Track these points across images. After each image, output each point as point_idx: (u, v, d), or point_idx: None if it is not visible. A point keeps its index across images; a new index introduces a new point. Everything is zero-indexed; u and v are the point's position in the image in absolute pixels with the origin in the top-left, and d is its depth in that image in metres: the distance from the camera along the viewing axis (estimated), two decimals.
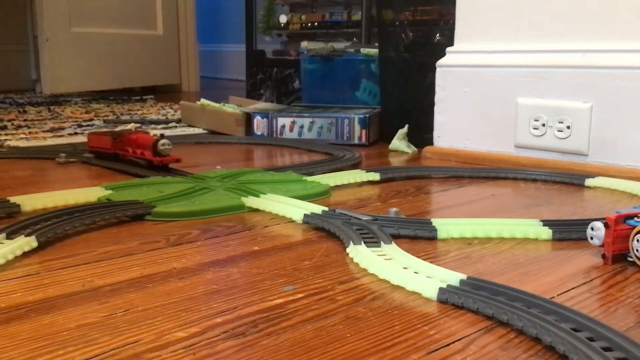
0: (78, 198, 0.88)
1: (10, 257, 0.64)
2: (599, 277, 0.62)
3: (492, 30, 1.26)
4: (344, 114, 1.47)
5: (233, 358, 0.45)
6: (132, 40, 2.80)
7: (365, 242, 0.67)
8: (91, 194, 0.90)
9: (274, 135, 1.51)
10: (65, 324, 0.50)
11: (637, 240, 0.63)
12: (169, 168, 1.10)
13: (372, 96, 1.72)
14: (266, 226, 0.79)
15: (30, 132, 1.59)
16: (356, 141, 1.45)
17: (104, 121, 1.84)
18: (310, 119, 1.48)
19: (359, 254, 0.65)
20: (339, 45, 1.82)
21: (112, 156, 1.17)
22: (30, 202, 0.84)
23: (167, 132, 1.65)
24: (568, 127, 1.13)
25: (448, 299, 0.54)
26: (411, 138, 1.39)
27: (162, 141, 1.07)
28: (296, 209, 0.81)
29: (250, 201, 0.87)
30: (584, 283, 0.60)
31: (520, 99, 1.20)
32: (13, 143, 1.42)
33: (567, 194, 0.99)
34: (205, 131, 1.68)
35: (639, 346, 0.44)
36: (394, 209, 0.80)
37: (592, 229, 0.67)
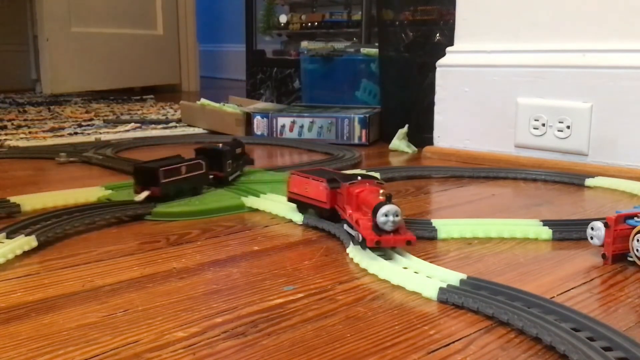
0: (78, 198, 0.88)
1: (10, 256, 0.64)
2: (599, 277, 0.62)
3: (492, 30, 1.26)
4: (344, 114, 1.47)
5: (233, 358, 0.45)
6: (132, 40, 2.80)
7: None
8: (91, 193, 0.90)
9: (274, 135, 1.51)
10: (65, 324, 0.50)
11: (637, 240, 0.63)
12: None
13: (372, 96, 1.72)
14: (266, 226, 0.79)
15: (30, 132, 1.59)
16: (356, 141, 1.45)
17: (104, 121, 1.84)
18: (310, 119, 1.48)
19: (359, 254, 0.65)
20: (339, 45, 1.82)
21: (328, 213, 0.76)
22: (30, 201, 0.84)
23: (167, 132, 1.65)
24: (568, 127, 1.13)
25: (448, 298, 0.54)
26: (411, 138, 1.39)
27: (385, 209, 0.63)
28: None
29: (250, 201, 0.87)
30: (584, 283, 0.60)
31: (520, 98, 1.20)
32: (13, 143, 1.42)
33: (567, 193, 0.99)
34: (205, 131, 1.68)
35: (639, 346, 0.44)
36: None
37: (592, 228, 0.67)
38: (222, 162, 0.93)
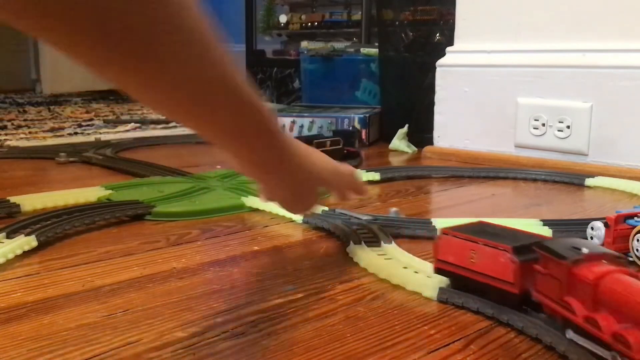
0: (78, 198, 0.88)
1: (10, 256, 0.64)
2: None
3: (492, 30, 1.26)
4: (344, 114, 1.47)
5: (233, 358, 0.45)
6: None
7: (365, 242, 0.67)
8: (91, 194, 0.90)
9: None
10: (65, 324, 0.50)
11: (637, 240, 0.63)
12: None
13: (372, 96, 1.72)
14: (266, 226, 0.79)
15: (30, 132, 1.59)
16: None
17: (104, 121, 1.84)
18: (310, 119, 1.48)
19: (359, 253, 0.65)
20: (339, 45, 1.82)
21: (515, 299, 0.49)
22: (30, 202, 0.84)
23: (167, 132, 1.65)
24: (568, 127, 1.13)
25: (448, 298, 0.54)
26: (411, 138, 1.39)
27: None
28: None
29: (250, 201, 0.87)
30: None
31: (520, 98, 1.20)
32: (13, 143, 1.42)
33: (567, 193, 0.99)
34: None
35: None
36: (394, 209, 0.80)
37: (592, 228, 0.67)
38: (353, 141, 1.25)
